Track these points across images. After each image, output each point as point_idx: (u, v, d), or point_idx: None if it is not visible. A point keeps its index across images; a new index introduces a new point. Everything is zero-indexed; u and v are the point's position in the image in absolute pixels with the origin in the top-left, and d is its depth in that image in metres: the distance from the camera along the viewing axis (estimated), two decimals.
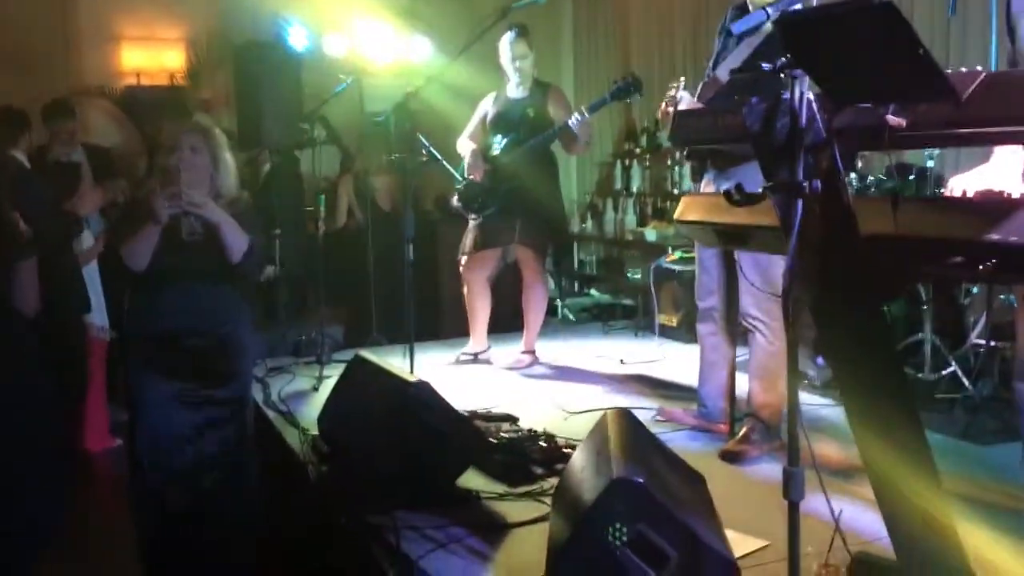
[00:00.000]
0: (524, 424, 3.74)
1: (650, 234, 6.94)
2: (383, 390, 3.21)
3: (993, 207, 1.63)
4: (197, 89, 7.61)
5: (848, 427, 2.08)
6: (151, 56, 7.74)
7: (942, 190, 3.86)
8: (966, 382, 3.99)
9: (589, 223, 8.13)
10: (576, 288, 8.24)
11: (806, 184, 1.79)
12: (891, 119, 1.67)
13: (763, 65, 1.75)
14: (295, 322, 5.60)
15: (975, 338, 4.15)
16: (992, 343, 4.00)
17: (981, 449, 3.50)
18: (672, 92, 3.50)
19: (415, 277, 4.04)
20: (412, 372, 3.94)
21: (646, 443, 2.49)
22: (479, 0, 7.87)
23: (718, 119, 2.12)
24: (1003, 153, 2.20)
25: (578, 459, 2.58)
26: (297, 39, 5.39)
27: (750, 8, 3.55)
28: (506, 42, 4.93)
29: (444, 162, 4.62)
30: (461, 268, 5.16)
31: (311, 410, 4.02)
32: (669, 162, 7.31)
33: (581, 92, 8.66)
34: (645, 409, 4.05)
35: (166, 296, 3.12)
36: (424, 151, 4.31)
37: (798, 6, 1.73)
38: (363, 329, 5.89)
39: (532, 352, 5.17)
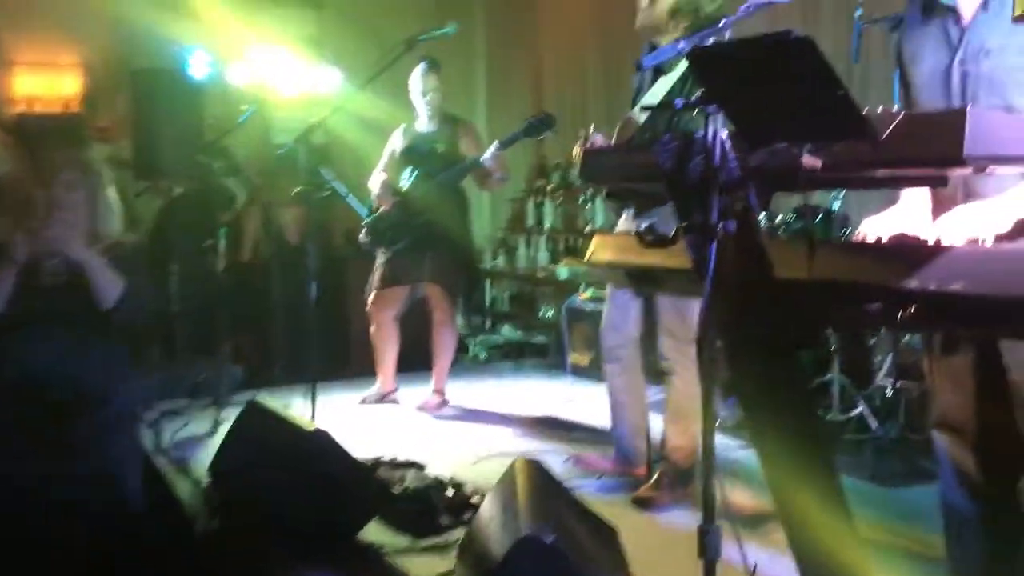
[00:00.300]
0: (431, 471, 3.59)
1: (562, 271, 6.89)
2: (279, 439, 3.02)
3: (911, 253, 1.58)
4: (94, 116, 7.27)
5: (760, 471, 2.01)
6: (46, 82, 7.38)
7: (850, 230, 3.88)
8: (874, 424, 4.00)
9: (501, 259, 8.04)
10: (488, 325, 8.12)
11: (720, 226, 1.71)
12: (806, 160, 1.60)
13: (675, 101, 1.67)
14: (193, 361, 5.33)
15: (882, 378, 4.17)
16: (898, 383, 4.02)
17: (890, 492, 3.50)
18: (584, 135, 3.46)
19: (322, 313, 3.87)
20: (314, 415, 3.76)
21: (556, 495, 2.37)
22: (389, 31, 7.83)
23: (627, 157, 2.04)
24: (911, 195, 2.17)
25: (486, 511, 2.45)
26: (198, 67, 5.18)
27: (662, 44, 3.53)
28: (416, 75, 4.84)
29: (347, 197, 4.46)
30: (368, 305, 4.99)
31: (207, 456, 3.79)
32: (581, 199, 7.29)
33: (494, 128, 8.61)
34: (556, 454, 3.94)
35: (23, 343, 2.86)
36: (328, 185, 4.15)
37: (711, 40, 1.66)
38: (266, 366, 5.65)
39: (442, 393, 5.02)
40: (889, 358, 4.14)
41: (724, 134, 1.72)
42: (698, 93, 1.64)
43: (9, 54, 7.20)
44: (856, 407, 4.10)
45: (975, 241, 1.54)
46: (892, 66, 3.88)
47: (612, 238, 2.33)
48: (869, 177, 1.63)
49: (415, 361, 5.28)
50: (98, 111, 7.29)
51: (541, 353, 6.68)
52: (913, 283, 1.51)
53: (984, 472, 2.09)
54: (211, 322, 4.82)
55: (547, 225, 7.74)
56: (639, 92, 3.62)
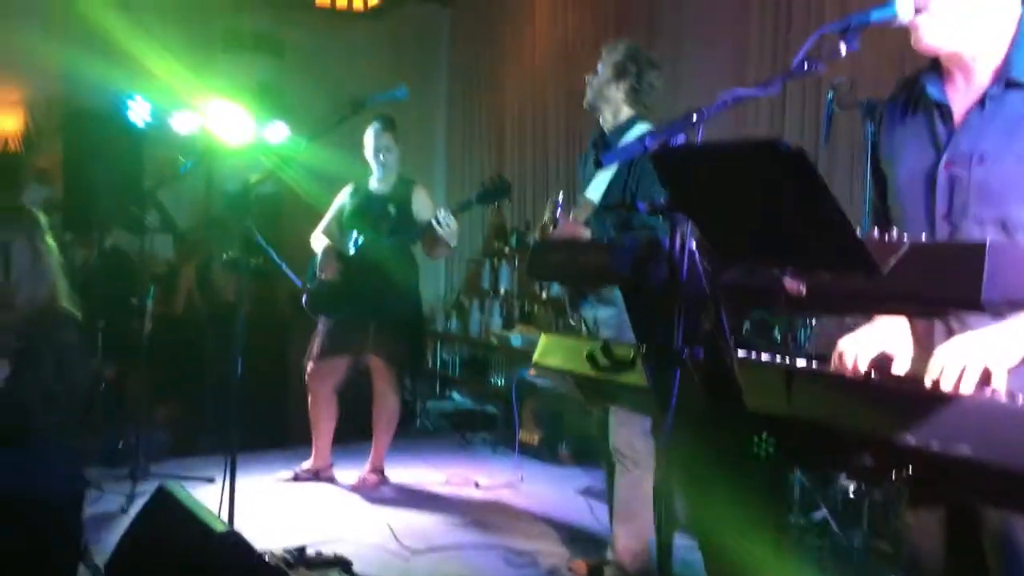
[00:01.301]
0: (358, 568, 3.27)
1: (515, 339, 6.63)
2: (185, 538, 2.69)
3: (908, 398, 1.34)
4: (32, 157, 6.93)
5: None
6: None
7: (815, 321, 3.68)
8: (835, 527, 3.76)
9: (454, 322, 7.77)
10: (437, 390, 7.81)
11: (685, 351, 1.47)
12: (788, 283, 1.37)
13: (638, 206, 1.44)
14: (112, 426, 4.95)
15: (844, 479, 3.94)
16: (861, 486, 3.79)
17: None
18: (549, 214, 3.31)
19: (261, 378, 3.56)
20: (232, 499, 3.42)
21: None
22: (350, 81, 7.61)
23: (580, 256, 1.79)
24: None
25: None
26: (138, 114, 4.89)
27: (606, 131, 3.37)
28: (370, 134, 4.60)
29: (282, 266, 4.17)
30: (306, 375, 4.68)
31: (114, 539, 3.43)
32: None
33: (452, 189, 8.43)
34: (498, 550, 3.64)
35: None
36: (262, 253, 3.86)
37: (680, 137, 1.43)
38: (194, 430, 5.28)
39: (380, 471, 4.70)
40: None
41: (693, 243, 1.49)
42: (661, 197, 1.41)
43: None
44: (818, 509, 3.86)
45: (985, 389, 1.32)
46: (860, 152, 3.78)
47: (562, 340, 2.07)
48: (863, 307, 1.40)
49: (357, 431, 4.96)
50: (37, 151, 6.97)
51: (491, 424, 6.38)
52: (910, 438, 1.27)
53: None
54: (137, 384, 4.46)
55: (503, 289, 7.50)
56: (587, 167, 3.47)
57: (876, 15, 1.65)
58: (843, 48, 1.61)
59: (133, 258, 4.96)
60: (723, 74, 5.20)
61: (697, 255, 1.48)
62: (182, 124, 5.36)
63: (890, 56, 3.74)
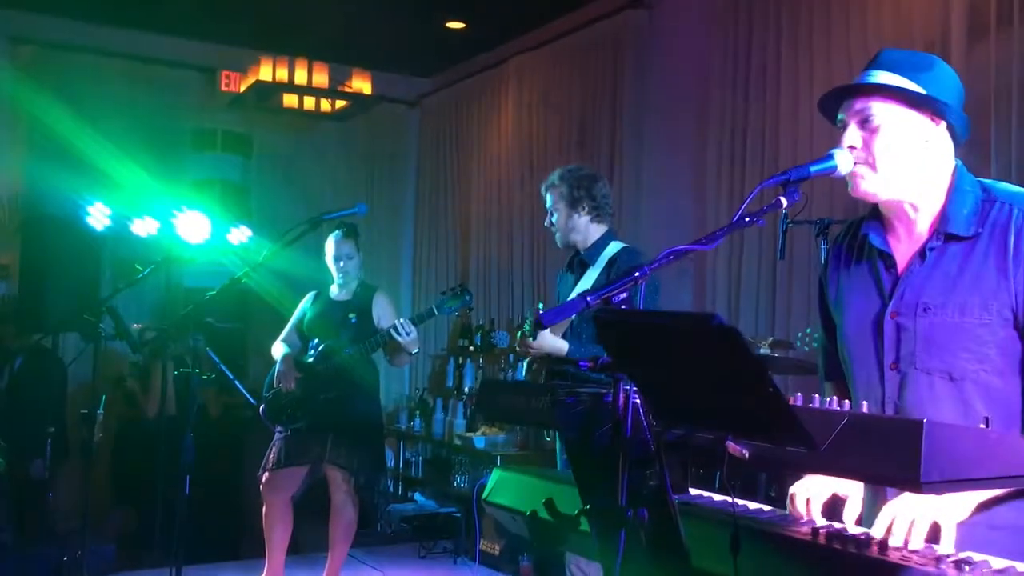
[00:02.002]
0: None
1: (479, 440, 6.55)
2: None
3: (856, 561, 1.31)
4: None
5: None
6: None
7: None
8: None
9: (418, 420, 7.67)
10: (399, 490, 7.66)
11: (630, 511, 1.43)
12: (731, 446, 1.35)
13: (581, 364, 1.42)
14: (59, 536, 4.79)
15: None
16: None
17: None
18: (529, 326, 3.39)
19: (216, 487, 3.46)
20: None
21: None
22: (317, 182, 7.68)
23: (530, 399, 1.77)
24: None
25: None
26: (98, 219, 4.86)
27: (580, 252, 3.47)
28: (331, 242, 4.60)
29: (236, 382, 4.11)
30: (261, 485, 4.56)
31: None
32: (503, 364, 7.04)
33: (419, 289, 8.43)
34: None
35: None
36: (213, 367, 3.80)
37: (623, 295, 1.42)
38: (141, 543, 5.11)
39: None
40: None
41: (638, 399, 1.47)
42: (604, 357, 1.40)
43: None
44: None
45: (933, 548, 1.29)
46: (816, 266, 3.84)
47: (516, 477, 2.03)
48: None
49: (313, 542, 4.83)
50: None
51: (453, 529, 6.23)
52: None
53: None
54: (84, 492, 4.33)
55: (467, 388, 7.44)
56: (562, 283, 3.58)
57: (815, 168, 1.69)
58: (784, 201, 1.63)
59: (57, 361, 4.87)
60: (685, 171, 5.31)
61: (642, 412, 1.46)
62: (143, 228, 5.33)
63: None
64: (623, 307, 1.42)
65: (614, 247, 3.47)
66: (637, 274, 1.47)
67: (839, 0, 4.45)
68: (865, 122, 1.74)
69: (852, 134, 1.75)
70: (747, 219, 1.58)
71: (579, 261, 3.49)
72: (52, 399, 4.96)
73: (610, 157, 5.92)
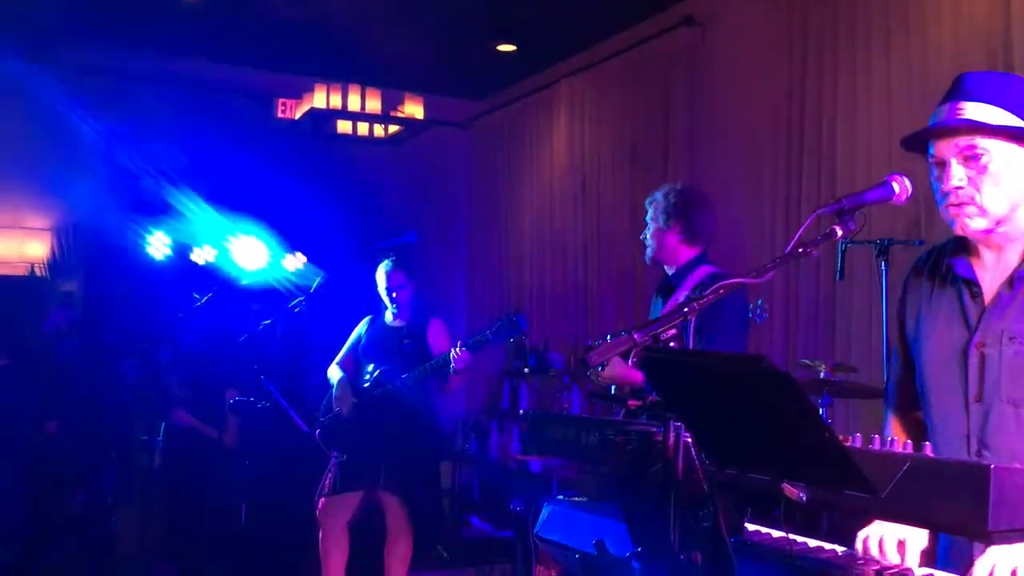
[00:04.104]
0: None
1: (535, 464, 6.49)
2: None
3: None
4: (57, 281, 7.04)
5: None
6: (12, 245, 7.19)
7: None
8: None
9: (473, 442, 7.65)
10: (456, 513, 7.64)
11: (683, 555, 1.39)
12: (788, 488, 1.30)
13: (629, 402, 1.39)
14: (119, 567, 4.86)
15: None
16: None
17: None
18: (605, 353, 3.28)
19: (269, 512, 3.46)
20: None
21: None
22: (368, 213, 7.74)
23: (580, 434, 1.73)
24: None
25: None
26: (157, 248, 4.96)
27: (668, 275, 3.38)
28: (382, 272, 4.61)
29: (289, 411, 4.13)
30: (317, 511, 4.58)
31: None
32: (557, 385, 6.99)
33: (474, 313, 8.44)
34: None
35: None
36: (268, 396, 3.83)
37: (672, 332, 1.38)
38: (202, 570, 5.15)
39: None
40: None
41: (689, 438, 1.43)
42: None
43: None
44: None
45: None
46: (876, 287, 3.72)
47: (567, 511, 1.99)
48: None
49: (371, 567, 4.81)
50: (62, 275, 7.08)
51: (508, 554, 6.18)
52: None
53: None
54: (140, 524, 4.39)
55: (521, 410, 7.39)
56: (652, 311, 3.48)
57: (871, 196, 1.63)
58: (839, 231, 1.58)
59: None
60: (737, 190, 5.23)
61: (694, 451, 1.42)
62: (201, 256, 5.42)
63: None
64: (671, 344, 1.38)
65: (702, 272, 3.29)
66: (686, 309, 1.42)
67: (898, 13, 4.34)
68: (969, 159, 1.69)
69: (957, 172, 1.69)
70: (800, 249, 1.53)
71: (667, 285, 3.38)
72: (113, 425, 5.05)
73: (662, 176, 5.86)
